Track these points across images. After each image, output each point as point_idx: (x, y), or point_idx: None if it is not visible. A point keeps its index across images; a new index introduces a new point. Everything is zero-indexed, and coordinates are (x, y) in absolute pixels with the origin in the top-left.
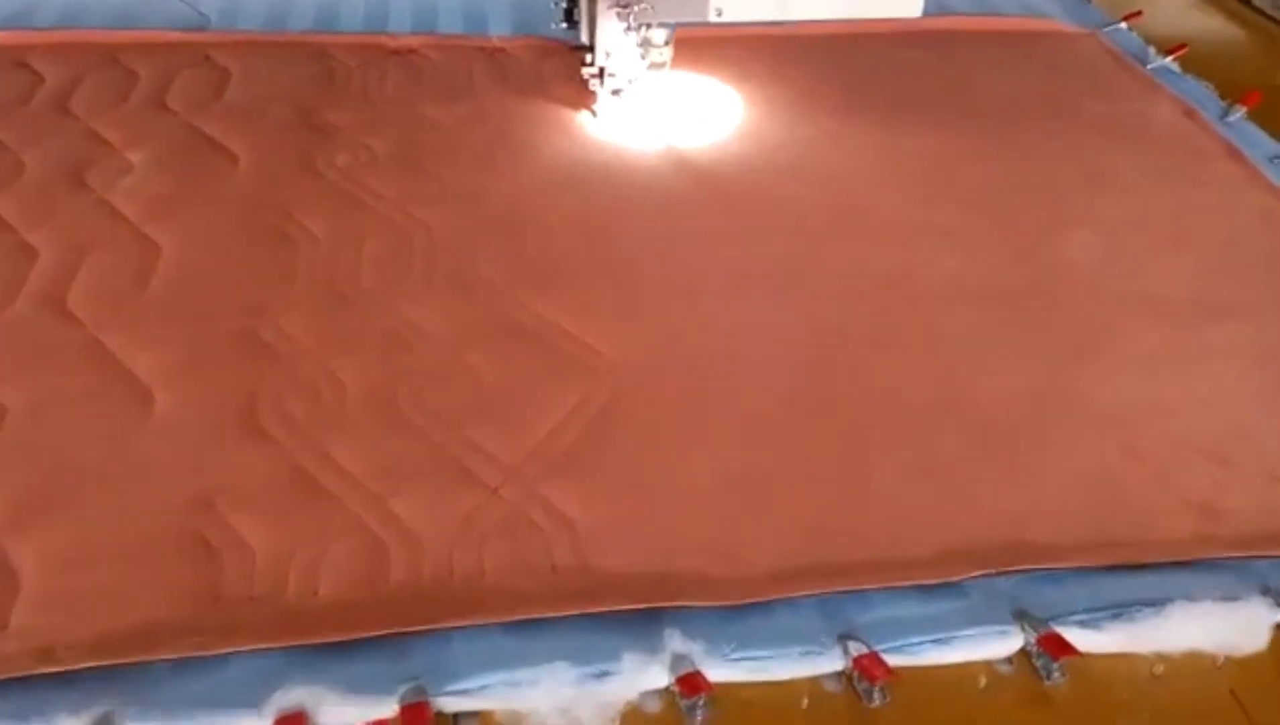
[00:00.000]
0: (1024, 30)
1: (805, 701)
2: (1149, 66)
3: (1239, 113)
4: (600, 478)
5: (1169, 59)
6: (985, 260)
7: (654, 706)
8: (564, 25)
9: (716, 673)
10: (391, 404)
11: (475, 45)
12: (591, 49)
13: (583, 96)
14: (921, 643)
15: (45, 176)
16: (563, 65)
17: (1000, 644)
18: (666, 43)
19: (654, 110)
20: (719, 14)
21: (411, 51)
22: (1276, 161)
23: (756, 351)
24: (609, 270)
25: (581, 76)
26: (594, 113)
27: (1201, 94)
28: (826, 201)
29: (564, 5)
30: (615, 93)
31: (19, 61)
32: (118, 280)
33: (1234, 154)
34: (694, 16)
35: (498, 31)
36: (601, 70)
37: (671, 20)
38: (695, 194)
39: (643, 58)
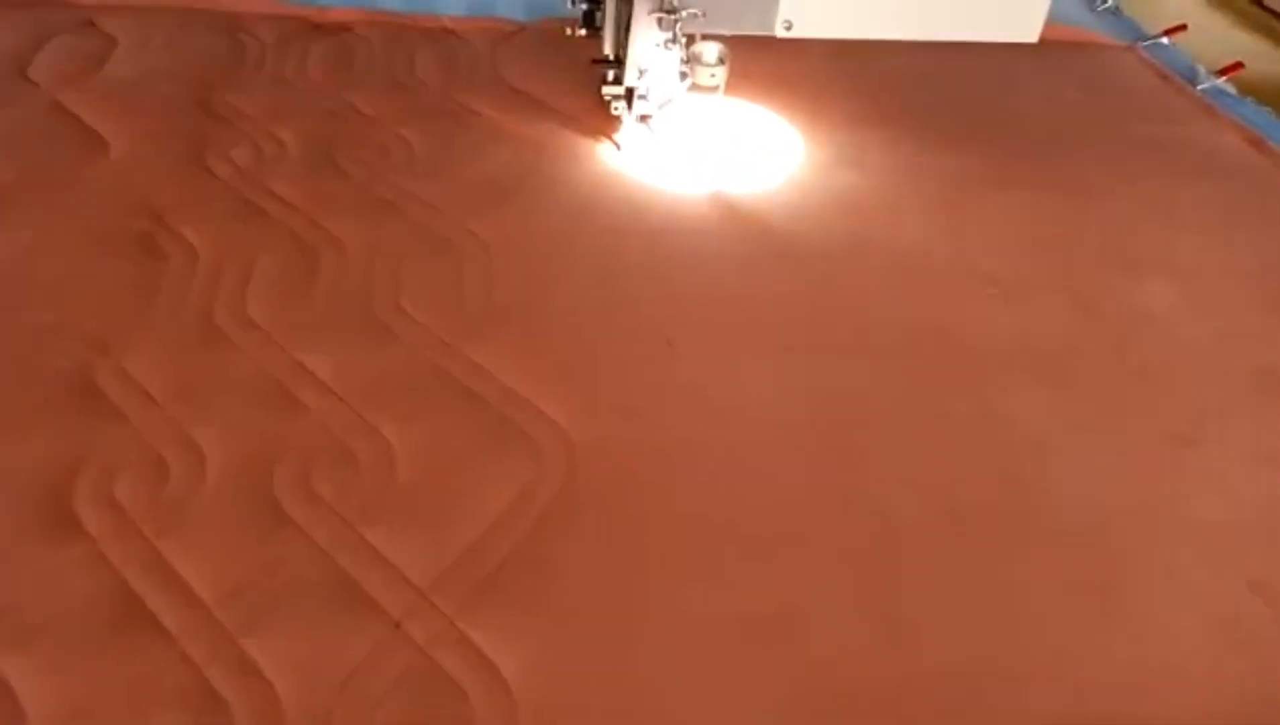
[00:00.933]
0: (1055, 39)
1: None
2: (1200, 87)
3: None
4: (547, 610)
5: (1222, 79)
6: (1044, 315)
7: None
8: (581, 32)
9: None
10: (264, 489)
11: (421, 25)
12: (618, 63)
13: (543, 91)
14: None
15: None
16: (518, 51)
17: None
18: (720, 61)
19: (686, 137)
20: (788, 28)
21: (344, 29)
22: None
23: (761, 430)
24: (572, 314)
25: (603, 97)
26: (617, 145)
27: (1264, 120)
28: (842, 239)
29: (583, 7)
30: (643, 119)
31: None
32: None
33: None
34: (755, 29)
35: (448, 10)
36: (630, 92)
37: (727, 32)
38: (686, 223)
39: (684, 78)
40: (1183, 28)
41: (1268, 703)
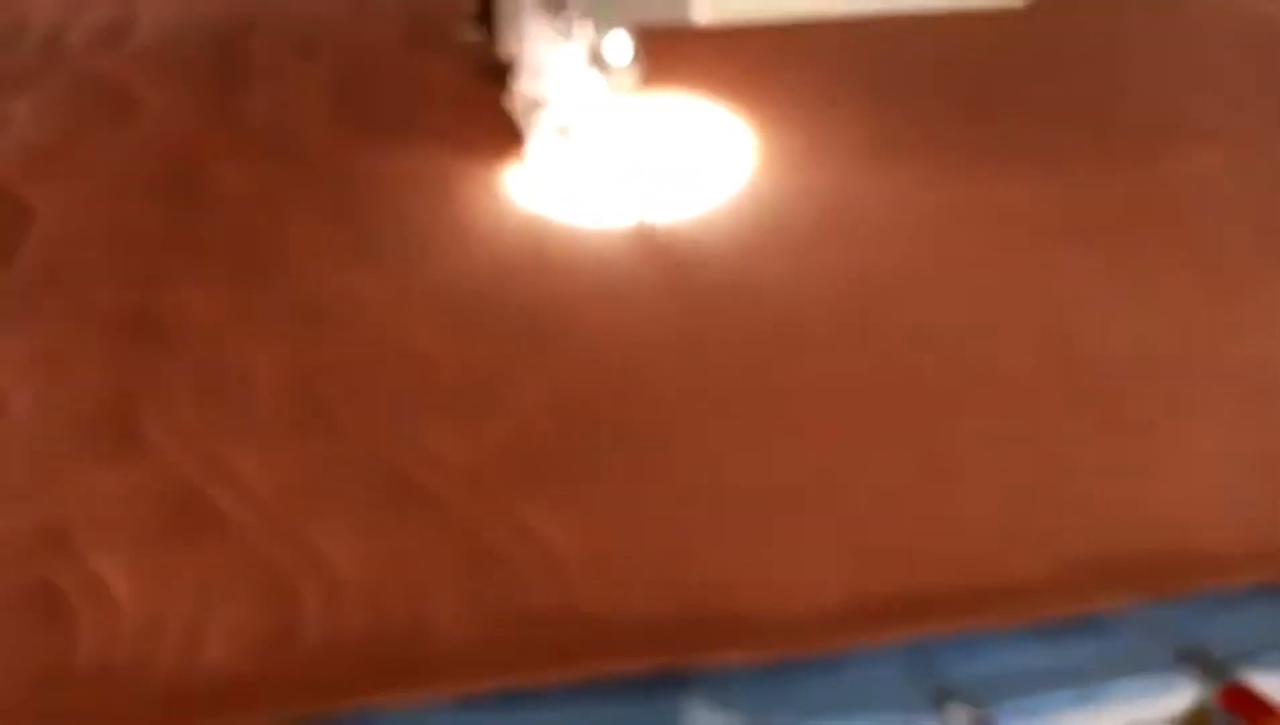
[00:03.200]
0: None
1: None
2: None
3: None
4: (593, 484)
5: None
6: (1080, 182)
7: None
8: (470, 37)
9: None
10: (313, 397)
11: None
12: (514, 68)
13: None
14: (1054, 701)
15: None
16: None
17: (1164, 699)
18: (631, 59)
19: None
20: (705, 16)
21: None
22: None
23: (797, 302)
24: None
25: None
26: (522, 159)
27: None
28: (867, 113)
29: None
30: (561, 131)
31: None
32: None
33: None
34: (664, 16)
35: None
36: (534, 101)
37: (630, 21)
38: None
39: (597, 81)
40: None
41: None
